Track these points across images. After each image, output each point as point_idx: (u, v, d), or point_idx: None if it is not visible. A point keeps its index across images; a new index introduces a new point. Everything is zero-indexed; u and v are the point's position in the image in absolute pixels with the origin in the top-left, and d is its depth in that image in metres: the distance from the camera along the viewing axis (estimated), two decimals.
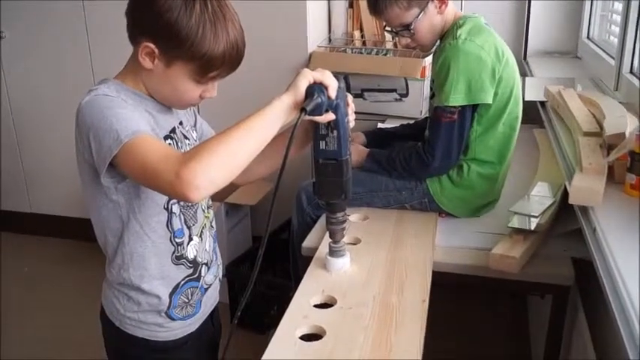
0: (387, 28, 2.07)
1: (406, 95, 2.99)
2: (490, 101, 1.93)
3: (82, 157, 1.30)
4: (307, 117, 1.30)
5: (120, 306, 1.45)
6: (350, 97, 1.48)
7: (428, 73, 2.98)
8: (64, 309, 3.23)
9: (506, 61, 1.96)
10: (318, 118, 1.36)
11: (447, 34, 2.00)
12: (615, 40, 2.81)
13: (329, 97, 1.33)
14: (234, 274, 2.85)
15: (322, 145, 1.46)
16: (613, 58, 2.65)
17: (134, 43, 1.33)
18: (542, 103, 2.61)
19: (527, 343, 2.77)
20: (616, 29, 2.73)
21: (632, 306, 1.19)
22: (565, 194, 1.99)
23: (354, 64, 3.01)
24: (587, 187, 1.58)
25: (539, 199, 1.97)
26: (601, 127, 1.96)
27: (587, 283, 1.83)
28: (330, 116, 1.38)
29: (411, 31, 1.98)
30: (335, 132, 1.44)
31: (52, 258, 3.74)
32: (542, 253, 1.87)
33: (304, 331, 1.43)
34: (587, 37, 3.30)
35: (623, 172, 1.69)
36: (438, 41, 2.07)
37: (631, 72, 2.38)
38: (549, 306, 2.00)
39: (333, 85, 1.34)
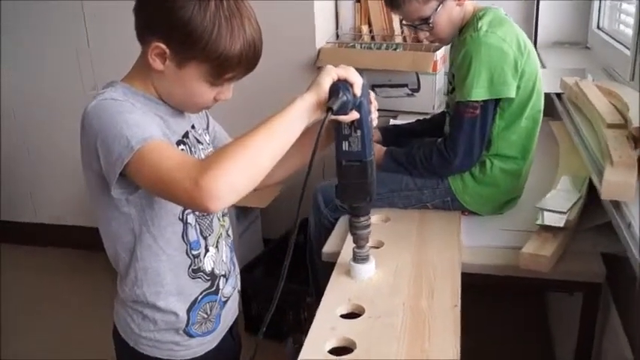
0: (405, 23, 2.00)
1: (418, 90, 2.93)
2: (513, 95, 1.87)
3: (89, 168, 1.22)
4: (332, 117, 1.23)
5: (134, 325, 1.37)
6: (372, 95, 1.41)
7: (440, 66, 2.92)
8: (70, 326, 3.10)
9: (528, 54, 1.89)
10: (342, 118, 1.29)
11: (466, 27, 1.93)
12: (626, 30, 2.76)
13: (354, 95, 1.27)
14: (246, 281, 2.74)
15: (345, 146, 1.39)
16: (627, 47, 2.60)
17: (143, 43, 1.25)
18: (559, 95, 2.55)
19: (549, 342, 2.71)
20: (626, 18, 2.68)
21: None
22: (589, 188, 1.93)
23: (363, 60, 2.94)
24: (621, 181, 1.52)
25: (565, 193, 1.90)
26: (625, 118, 1.90)
27: (618, 278, 1.77)
28: (354, 115, 1.31)
29: (430, 25, 1.91)
30: (359, 132, 1.37)
31: (55, 269, 3.62)
32: (570, 250, 1.81)
33: (333, 344, 1.36)
34: (598, 27, 3.24)
35: None
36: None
37: None
38: (576, 303, 1.94)
39: (358, 82, 1.27)
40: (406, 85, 2.94)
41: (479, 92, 1.83)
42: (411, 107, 2.92)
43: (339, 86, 1.23)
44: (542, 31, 3.24)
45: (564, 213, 1.77)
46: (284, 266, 1.24)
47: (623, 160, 1.60)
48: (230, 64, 1.23)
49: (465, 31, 1.92)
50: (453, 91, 1.99)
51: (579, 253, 1.80)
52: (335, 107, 1.20)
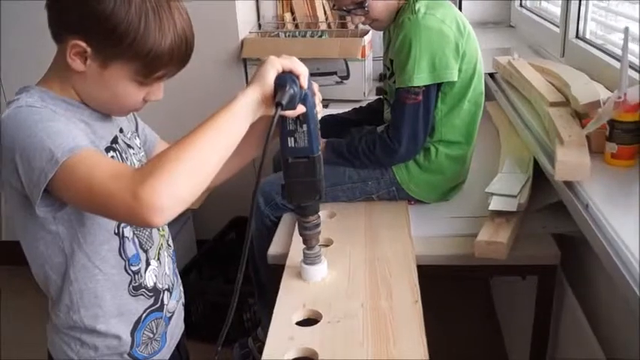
0: (338, 8, 1.91)
1: (347, 77, 2.85)
2: (455, 78, 1.81)
3: (8, 185, 1.08)
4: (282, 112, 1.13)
5: (73, 353, 1.24)
6: (316, 86, 1.31)
7: (368, 52, 2.85)
8: None
9: (468, 34, 1.83)
10: (289, 113, 1.19)
11: (402, 9, 1.85)
12: (550, 6, 2.77)
13: (300, 87, 1.17)
14: (182, 285, 2.64)
15: (291, 142, 1.29)
16: (554, 24, 2.60)
17: (59, 41, 1.11)
18: (492, 75, 2.52)
19: (496, 324, 2.69)
20: None
21: None
22: (534, 168, 1.90)
23: (289, 49, 2.81)
24: (575, 161, 1.49)
25: (512, 176, 1.85)
26: (565, 96, 1.88)
27: (570, 259, 1.74)
28: (301, 109, 1.21)
29: (365, 9, 1.83)
30: (305, 126, 1.27)
31: None
32: (522, 233, 1.76)
33: (293, 355, 1.27)
34: (521, 5, 3.25)
35: (601, 141, 1.60)
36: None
37: (577, 37, 2.30)
38: (521, 285, 1.92)
39: (304, 74, 1.18)
40: (335, 73, 2.86)
41: (421, 78, 1.76)
42: (341, 95, 2.85)
43: (287, 78, 1.14)
44: (464, 11, 3.22)
45: (515, 196, 1.73)
46: (237, 280, 1.12)
47: (573, 138, 1.57)
48: (161, 61, 1.11)
49: (401, 13, 1.85)
50: (391, 77, 1.92)
51: (531, 236, 1.76)
52: (284, 102, 1.10)
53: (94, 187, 0.99)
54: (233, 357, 2.22)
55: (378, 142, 1.85)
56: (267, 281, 1.98)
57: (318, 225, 1.43)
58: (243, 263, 1.14)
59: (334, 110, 2.42)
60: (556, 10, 2.58)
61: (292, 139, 1.29)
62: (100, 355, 1.24)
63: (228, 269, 2.95)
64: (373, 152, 1.86)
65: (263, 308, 2.10)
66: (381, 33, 2.20)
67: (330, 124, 2.16)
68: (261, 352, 2.17)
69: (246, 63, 2.95)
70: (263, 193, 1.93)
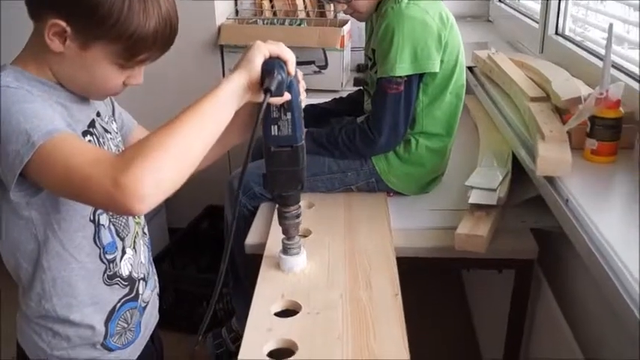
0: None
1: (325, 67, 2.83)
2: (437, 69, 1.79)
3: None
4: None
5: (44, 344, 1.20)
6: (300, 74, 1.29)
7: (347, 42, 2.83)
8: None
9: (451, 26, 1.82)
10: (275, 100, 1.17)
11: None
12: (528, 3, 2.78)
13: (288, 74, 1.15)
14: None
15: (274, 130, 1.27)
16: (533, 19, 2.60)
17: (37, 19, 1.06)
18: (470, 69, 2.52)
19: (469, 318, 2.70)
20: None
21: (628, 272, 1.13)
22: (514, 163, 1.90)
23: (267, 36, 2.74)
24: (556, 157, 1.50)
25: (492, 170, 1.85)
26: (546, 91, 1.88)
27: (548, 253, 1.75)
28: (287, 96, 1.19)
29: None
30: (289, 114, 1.25)
31: None
32: (501, 227, 1.76)
33: (272, 346, 1.24)
34: (499, 1, 3.25)
35: (581, 137, 1.61)
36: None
37: (556, 33, 2.31)
38: (495, 278, 1.91)
39: (292, 60, 1.16)
40: (313, 62, 2.83)
41: (402, 67, 1.74)
42: (319, 85, 2.82)
43: (274, 64, 1.12)
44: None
45: (494, 190, 1.72)
46: (221, 270, 1.10)
47: (554, 134, 1.58)
48: (144, 44, 1.07)
49: (384, 3, 1.83)
50: (372, 67, 1.90)
51: (509, 230, 1.76)
52: (273, 88, 1.08)
53: (72, 171, 0.95)
54: (206, 347, 2.19)
55: (358, 132, 1.84)
56: (243, 271, 1.95)
57: (298, 215, 1.41)
58: (227, 253, 1.11)
59: (312, 100, 2.39)
60: (535, 6, 2.59)
61: (276, 127, 1.26)
62: (72, 346, 1.20)
63: (201, 258, 2.92)
64: (353, 142, 1.85)
65: (238, 298, 2.08)
66: (361, 23, 2.18)
67: (310, 114, 2.14)
68: (234, 342, 2.17)
69: (223, 49, 2.91)
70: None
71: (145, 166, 0.93)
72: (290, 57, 1.16)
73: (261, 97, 1.11)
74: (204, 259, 2.91)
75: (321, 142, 1.88)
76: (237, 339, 2.22)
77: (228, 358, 2.20)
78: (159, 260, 2.72)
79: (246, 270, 1.87)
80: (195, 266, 2.92)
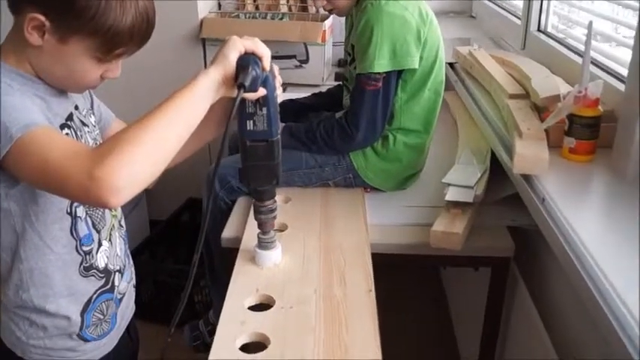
0: None
1: (306, 61, 2.83)
2: (416, 66, 1.79)
3: None
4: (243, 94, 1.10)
5: (21, 333, 1.20)
6: (276, 68, 1.29)
7: (328, 37, 2.83)
8: None
9: (431, 22, 1.82)
10: (250, 95, 1.17)
11: None
12: None
13: (263, 70, 1.14)
14: (133, 265, 2.60)
15: (250, 125, 1.26)
16: (515, 16, 2.61)
17: (16, 13, 1.06)
18: (451, 65, 2.52)
19: (447, 314, 2.71)
20: None
21: (602, 274, 1.12)
22: (492, 160, 1.90)
23: (249, 30, 2.79)
24: (533, 155, 1.49)
25: (469, 167, 1.85)
26: (525, 88, 1.88)
27: (524, 251, 1.76)
28: (261, 92, 1.19)
29: None
30: (264, 109, 1.25)
31: None
32: (477, 225, 1.76)
33: (244, 340, 1.24)
34: None
35: (559, 135, 1.61)
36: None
37: (539, 30, 2.32)
38: (472, 276, 1.92)
39: (267, 55, 1.15)
40: (294, 57, 2.83)
41: (381, 64, 1.74)
42: (300, 79, 2.81)
43: (249, 60, 1.11)
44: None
45: (472, 187, 1.73)
46: (193, 261, 1.10)
47: (532, 132, 1.57)
48: (121, 39, 1.08)
49: None
50: (352, 63, 1.90)
51: (486, 228, 1.76)
52: (247, 83, 1.08)
53: (49, 165, 0.96)
54: (184, 339, 2.19)
55: (336, 127, 1.83)
56: (219, 265, 1.95)
57: (273, 210, 1.41)
58: (199, 246, 1.11)
59: (293, 94, 2.39)
60: (518, 2, 2.59)
61: (251, 122, 1.26)
62: (48, 336, 1.21)
63: (180, 251, 2.91)
64: (331, 137, 1.84)
65: (215, 291, 2.08)
66: (342, 18, 2.18)
67: (289, 109, 2.14)
68: (212, 335, 2.16)
69: (205, 43, 2.89)
70: (219, 175, 1.90)
71: (120, 159, 0.94)
72: (265, 52, 1.15)
73: (235, 93, 1.11)
74: (184, 251, 2.90)
75: (299, 137, 1.88)
76: (214, 332, 2.22)
77: (205, 350, 2.19)
78: (138, 252, 2.72)
79: (222, 263, 1.87)
80: (174, 258, 2.91)
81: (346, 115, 1.84)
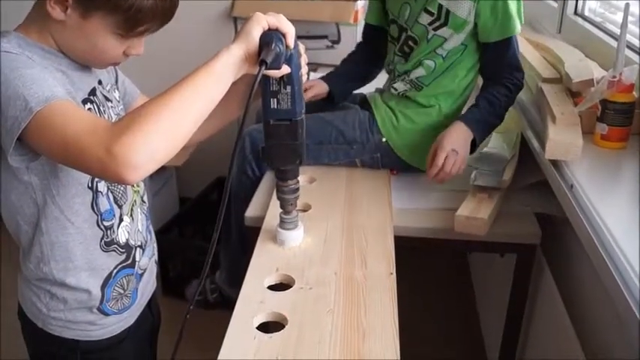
0: None
1: (338, 42, 2.80)
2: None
3: None
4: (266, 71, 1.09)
5: (42, 305, 1.22)
6: (302, 47, 1.27)
7: (360, 17, 2.79)
8: None
9: None
10: (273, 73, 1.16)
11: None
12: None
13: (286, 47, 1.13)
14: (163, 242, 2.60)
15: (274, 103, 1.25)
16: None
17: None
18: None
19: (472, 300, 2.69)
20: None
21: (627, 263, 1.10)
22: (521, 144, 1.87)
23: (280, 10, 2.71)
24: (567, 141, 1.46)
25: (498, 151, 1.82)
26: (559, 72, 1.84)
27: (551, 239, 1.72)
28: (285, 69, 1.17)
29: None
30: (288, 88, 1.23)
31: None
32: (504, 211, 1.73)
33: (262, 319, 1.23)
34: None
35: (591, 121, 1.58)
36: None
37: (575, 13, 2.26)
38: (500, 262, 1.90)
39: (291, 32, 1.14)
40: (326, 37, 2.80)
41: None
42: (331, 60, 2.74)
43: (272, 36, 1.09)
44: None
45: (499, 172, 1.70)
46: (213, 239, 1.10)
47: (566, 117, 1.54)
48: (143, 17, 1.08)
49: None
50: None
51: (513, 214, 1.74)
52: (269, 60, 1.06)
53: (68, 139, 0.96)
54: (187, 292, 2.21)
55: (513, 88, 1.80)
56: (236, 233, 1.95)
57: (296, 190, 1.40)
58: (219, 221, 1.11)
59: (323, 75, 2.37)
60: None
61: (275, 100, 1.25)
62: (68, 308, 1.23)
63: (208, 229, 2.92)
64: (511, 98, 1.81)
65: (225, 255, 2.10)
66: None
67: (342, 81, 2.11)
68: (213, 293, 2.21)
69: (237, 22, 2.88)
70: (251, 137, 1.88)
71: (137, 135, 0.93)
72: (289, 29, 1.14)
73: (263, 71, 1.10)
74: (211, 229, 2.91)
75: (487, 122, 1.79)
76: (216, 292, 2.29)
77: (204, 308, 2.24)
78: (167, 228, 2.74)
79: (240, 233, 1.89)
80: (200, 236, 2.93)
81: (509, 74, 1.81)
